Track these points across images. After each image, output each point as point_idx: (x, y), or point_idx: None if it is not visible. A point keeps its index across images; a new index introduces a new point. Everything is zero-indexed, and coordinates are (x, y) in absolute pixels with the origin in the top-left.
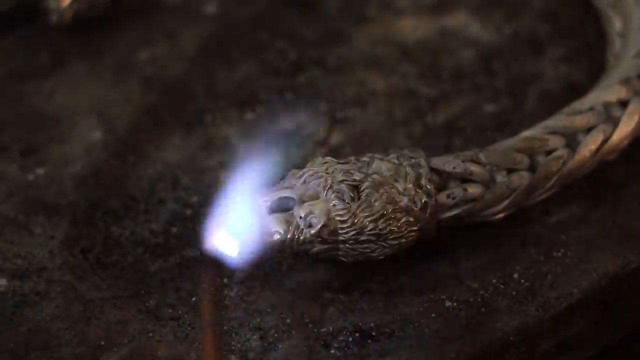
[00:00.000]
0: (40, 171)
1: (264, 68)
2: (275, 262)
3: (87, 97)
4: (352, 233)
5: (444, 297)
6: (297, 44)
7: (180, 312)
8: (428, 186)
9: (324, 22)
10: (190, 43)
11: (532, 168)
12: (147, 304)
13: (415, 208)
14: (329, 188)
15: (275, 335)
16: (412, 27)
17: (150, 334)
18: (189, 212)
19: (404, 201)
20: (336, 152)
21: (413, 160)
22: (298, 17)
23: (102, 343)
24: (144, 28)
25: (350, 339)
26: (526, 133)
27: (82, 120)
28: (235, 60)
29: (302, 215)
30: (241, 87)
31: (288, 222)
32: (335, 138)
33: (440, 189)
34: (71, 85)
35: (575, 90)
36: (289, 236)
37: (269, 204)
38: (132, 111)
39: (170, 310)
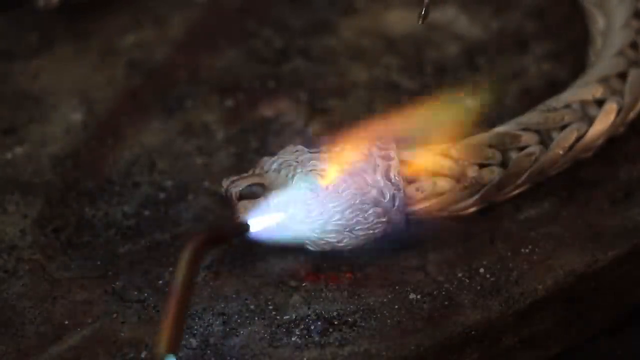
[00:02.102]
0: (18, 150)
1: (249, 56)
2: (243, 249)
3: (71, 78)
4: (319, 222)
5: (408, 289)
6: (283, 33)
7: (145, 294)
8: (397, 178)
9: (312, 12)
10: (178, 29)
11: (503, 164)
12: (113, 285)
13: (383, 200)
14: (297, 177)
15: (238, 320)
16: (400, 20)
17: (115, 315)
18: (162, 196)
19: (373, 192)
20: (314, 142)
21: (384, 152)
22: (287, 6)
23: (66, 322)
24: (133, 12)
25: (312, 327)
26: (499, 128)
27: (65, 101)
28: (221, 47)
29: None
30: (224, 74)
31: (256, 210)
32: (314, 128)
33: (410, 181)
34: (56, 67)
35: (557, 88)
36: None
37: (238, 190)
38: (115, 94)
39: (136, 293)
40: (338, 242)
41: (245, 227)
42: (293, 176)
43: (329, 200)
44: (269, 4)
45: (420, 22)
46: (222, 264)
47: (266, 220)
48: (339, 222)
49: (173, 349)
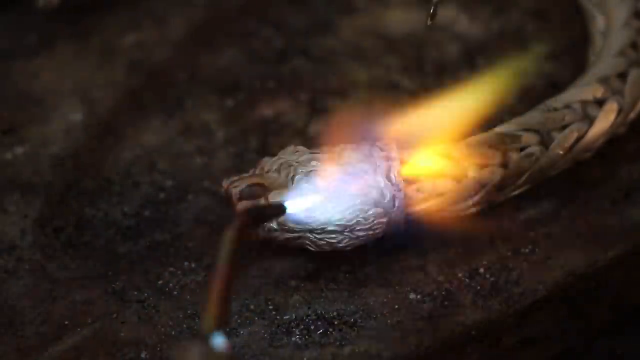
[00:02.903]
0: (18, 150)
1: (249, 56)
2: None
3: (72, 78)
4: (319, 223)
5: (408, 289)
6: (283, 32)
7: (145, 294)
8: (398, 179)
9: (312, 12)
10: (178, 29)
11: (504, 164)
12: (113, 285)
13: (383, 200)
14: (298, 177)
15: (238, 320)
16: (400, 20)
17: (115, 315)
18: (162, 195)
19: (373, 193)
20: (314, 142)
21: (384, 153)
22: (287, 6)
23: (66, 322)
24: (132, 12)
25: (312, 327)
26: (499, 129)
27: (65, 101)
28: (221, 47)
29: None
30: (224, 74)
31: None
32: (314, 128)
33: (410, 182)
34: (56, 67)
35: (557, 88)
36: None
37: (239, 190)
38: (115, 94)
39: (136, 293)
40: (338, 242)
41: (283, 208)
42: (293, 177)
43: (329, 200)
44: (269, 4)
45: (428, 22)
46: None
47: (303, 202)
48: (340, 222)
49: (220, 325)
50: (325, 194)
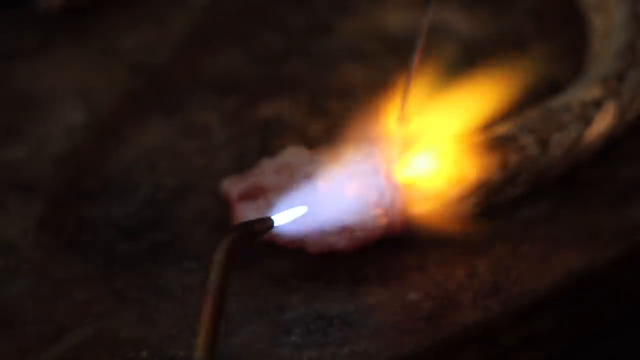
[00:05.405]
0: (18, 150)
1: (249, 57)
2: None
3: (72, 79)
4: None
5: (408, 288)
6: (283, 32)
7: (145, 294)
8: (397, 180)
9: (312, 12)
10: (178, 30)
11: (503, 165)
12: (114, 285)
13: (383, 202)
14: (298, 178)
15: (238, 320)
16: (399, 20)
17: (115, 315)
18: (162, 195)
19: (373, 194)
20: (314, 143)
21: (384, 154)
22: (287, 7)
23: (67, 322)
24: (133, 14)
25: (312, 327)
26: (499, 130)
27: (65, 102)
28: (221, 48)
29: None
30: (224, 75)
31: (256, 211)
32: (314, 128)
33: (410, 183)
34: (57, 68)
35: (556, 89)
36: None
37: (238, 191)
38: (116, 95)
39: (136, 293)
40: (337, 243)
41: (271, 222)
42: (294, 177)
43: (329, 201)
44: (269, 4)
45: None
46: None
47: (290, 214)
48: (339, 223)
49: (211, 351)
50: (323, 202)
